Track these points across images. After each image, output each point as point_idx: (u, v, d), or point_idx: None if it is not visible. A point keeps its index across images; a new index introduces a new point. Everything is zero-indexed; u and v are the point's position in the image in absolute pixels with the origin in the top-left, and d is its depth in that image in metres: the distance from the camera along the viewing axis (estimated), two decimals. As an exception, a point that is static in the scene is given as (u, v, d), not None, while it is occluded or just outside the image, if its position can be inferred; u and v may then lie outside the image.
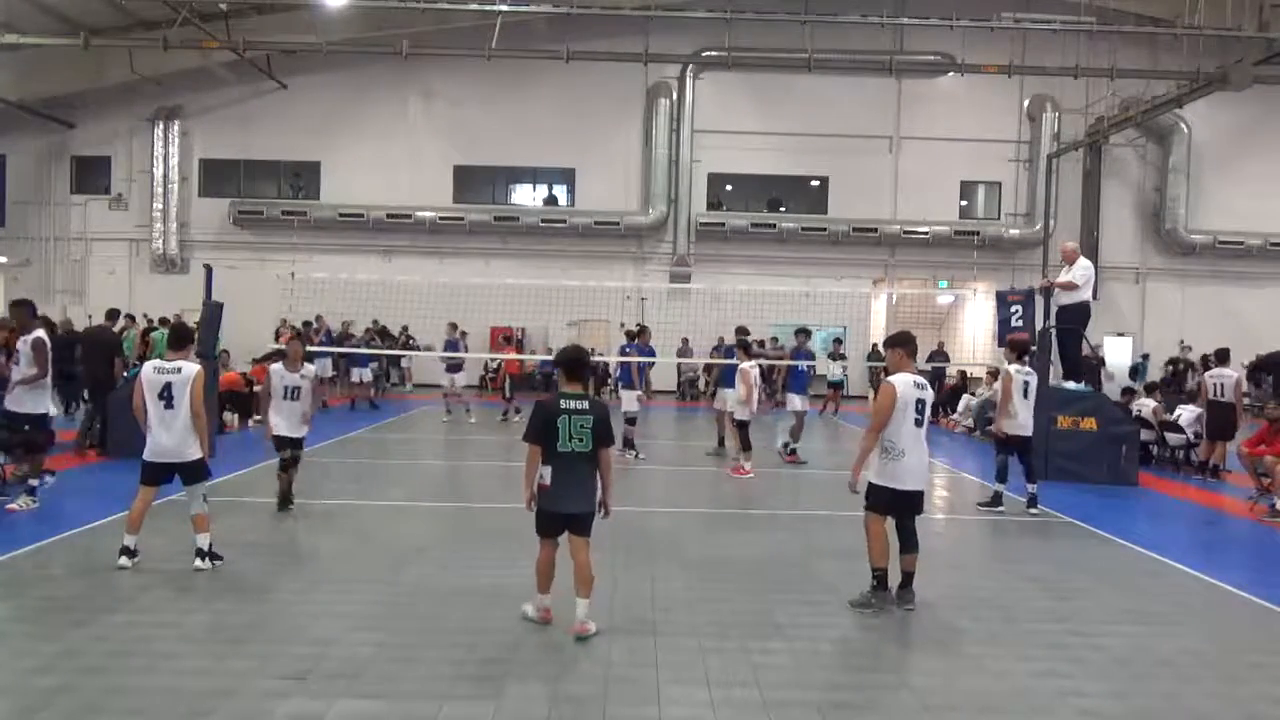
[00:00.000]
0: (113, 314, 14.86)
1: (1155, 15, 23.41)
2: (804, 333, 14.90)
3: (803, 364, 14.31)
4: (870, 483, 6.45)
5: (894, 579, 6.52)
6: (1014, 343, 10.91)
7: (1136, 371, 24.58)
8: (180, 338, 7.29)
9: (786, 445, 13.61)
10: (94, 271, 27.47)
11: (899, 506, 6.46)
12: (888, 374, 6.58)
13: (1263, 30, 19.70)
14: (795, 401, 13.92)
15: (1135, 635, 6.07)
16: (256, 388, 17.40)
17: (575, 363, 5.84)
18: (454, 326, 18.80)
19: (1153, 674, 5.41)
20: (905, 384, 6.34)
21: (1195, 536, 9.96)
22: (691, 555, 7.86)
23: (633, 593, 6.67)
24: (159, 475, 7.00)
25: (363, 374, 19.91)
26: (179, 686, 4.84)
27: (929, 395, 6.49)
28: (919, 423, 6.36)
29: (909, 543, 6.51)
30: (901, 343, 6.59)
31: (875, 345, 25.87)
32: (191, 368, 6.99)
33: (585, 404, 5.70)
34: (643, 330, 14.98)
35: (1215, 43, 20.86)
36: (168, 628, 5.73)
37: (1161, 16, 23.10)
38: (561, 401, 5.68)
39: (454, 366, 18.30)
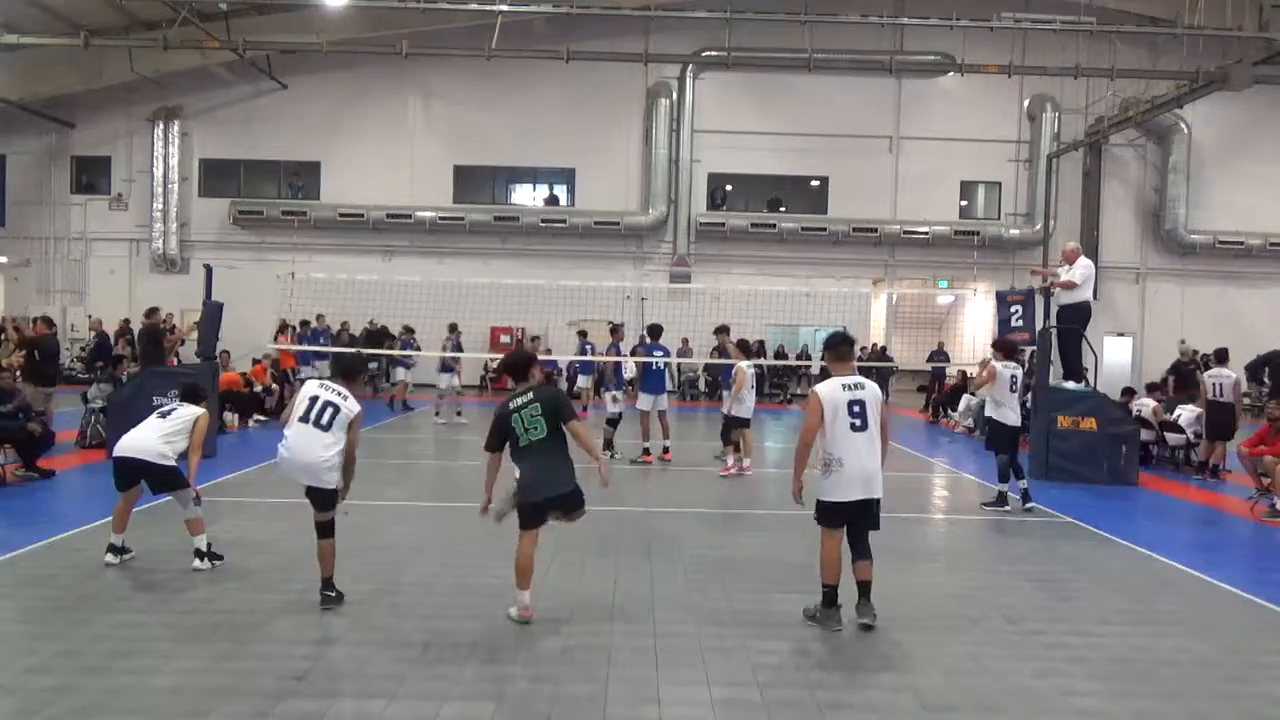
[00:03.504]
0: (151, 311, 15.05)
1: (1155, 15, 23.41)
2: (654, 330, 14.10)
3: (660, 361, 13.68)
4: (817, 499, 6.03)
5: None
6: (1001, 345, 11.05)
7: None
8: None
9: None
10: (94, 271, 27.46)
11: (852, 518, 6.00)
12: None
13: (1263, 30, 19.69)
14: (644, 401, 13.52)
15: (1135, 635, 6.07)
16: (257, 388, 17.44)
17: (515, 366, 6.19)
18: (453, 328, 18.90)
19: (1153, 674, 5.41)
20: (831, 390, 5.95)
21: (1195, 536, 9.96)
22: (691, 555, 7.86)
23: (632, 593, 6.67)
24: (130, 477, 7.04)
25: (400, 372, 20.59)
26: (179, 686, 4.84)
27: (867, 394, 5.96)
28: (858, 426, 5.89)
29: (863, 551, 6.02)
30: (828, 346, 6.28)
31: (875, 345, 25.92)
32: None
33: (530, 395, 5.94)
34: (615, 329, 14.84)
35: (1215, 43, 20.87)
36: (168, 627, 5.74)
37: (1161, 16, 23.09)
38: (510, 403, 5.95)
39: (446, 367, 18.27)
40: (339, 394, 6.24)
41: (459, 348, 18.50)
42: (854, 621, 5.97)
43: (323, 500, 6.18)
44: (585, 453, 6.02)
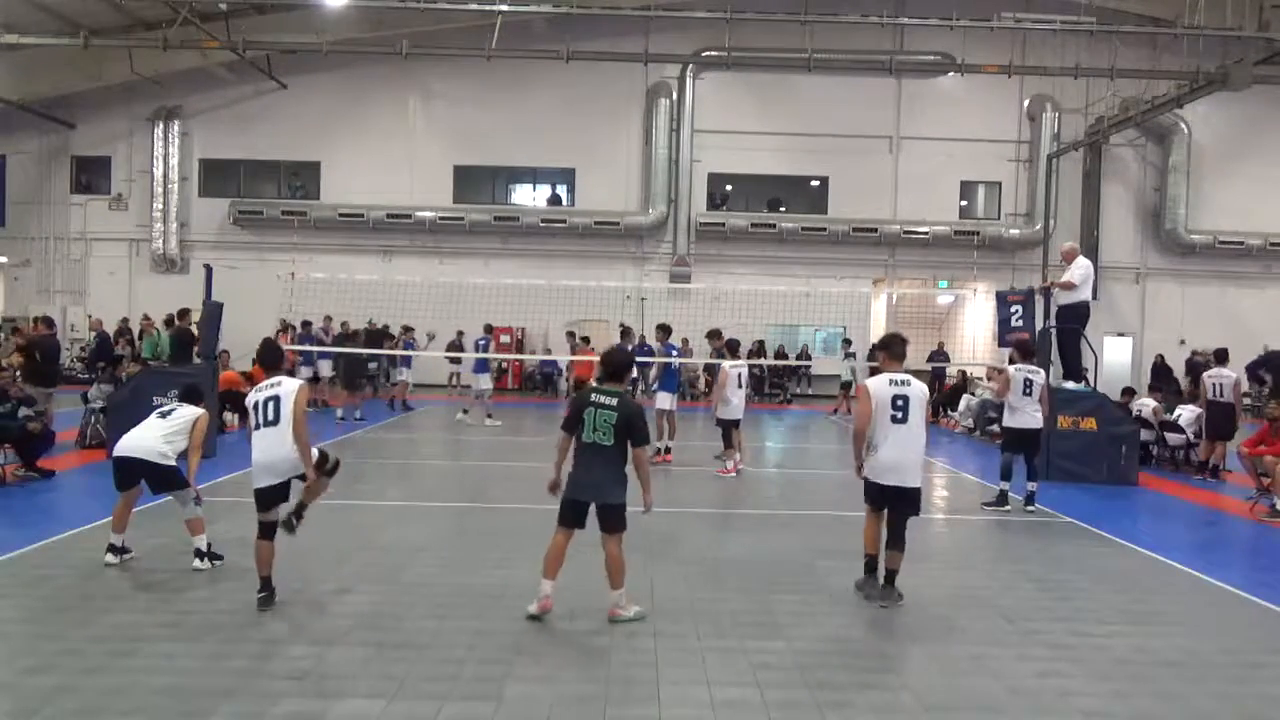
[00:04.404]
0: (183, 313, 15.06)
1: (1155, 15, 23.42)
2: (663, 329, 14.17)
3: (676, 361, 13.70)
4: (864, 479, 6.65)
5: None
6: (1018, 345, 11.09)
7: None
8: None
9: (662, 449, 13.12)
10: (94, 271, 27.45)
11: (887, 501, 6.53)
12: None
13: (1263, 30, 19.67)
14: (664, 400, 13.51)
15: (1135, 635, 6.08)
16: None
17: (619, 366, 6.25)
18: (488, 328, 19.00)
19: (1153, 674, 5.41)
20: (879, 384, 6.55)
21: (1195, 536, 9.96)
22: (691, 555, 7.86)
23: (633, 593, 6.65)
24: (129, 477, 7.04)
25: (401, 372, 20.40)
26: (179, 686, 4.84)
27: (912, 391, 6.52)
28: (899, 419, 6.45)
29: (894, 539, 6.52)
30: (882, 345, 6.98)
31: (875, 345, 25.88)
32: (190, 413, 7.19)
33: (614, 400, 5.91)
34: (626, 333, 14.89)
35: (1215, 43, 20.84)
36: (168, 627, 5.74)
37: (1161, 16, 23.09)
38: (593, 395, 5.99)
39: (482, 368, 18.02)
40: (272, 385, 6.31)
41: (488, 348, 18.49)
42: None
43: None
44: (639, 479, 5.98)
